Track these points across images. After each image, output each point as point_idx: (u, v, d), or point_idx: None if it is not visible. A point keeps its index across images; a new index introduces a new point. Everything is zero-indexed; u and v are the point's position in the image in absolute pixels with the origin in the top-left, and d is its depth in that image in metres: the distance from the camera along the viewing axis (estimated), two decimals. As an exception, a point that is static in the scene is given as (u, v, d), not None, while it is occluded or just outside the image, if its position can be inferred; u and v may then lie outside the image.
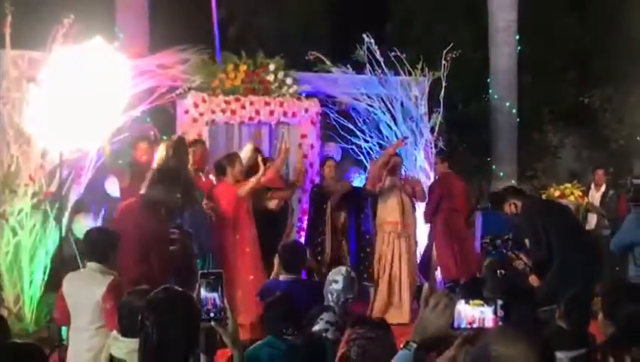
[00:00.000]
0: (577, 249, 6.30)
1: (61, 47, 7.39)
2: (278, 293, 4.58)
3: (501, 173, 11.86)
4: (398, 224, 8.65)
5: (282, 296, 4.51)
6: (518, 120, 12.10)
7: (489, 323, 2.43)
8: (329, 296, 4.96)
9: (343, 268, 5.18)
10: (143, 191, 5.95)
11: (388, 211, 8.68)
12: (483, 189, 13.25)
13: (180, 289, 2.90)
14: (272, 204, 8.33)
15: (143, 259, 5.92)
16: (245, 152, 8.29)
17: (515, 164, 12.13)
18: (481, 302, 2.45)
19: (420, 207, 9.20)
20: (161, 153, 6.25)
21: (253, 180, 7.70)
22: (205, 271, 3.03)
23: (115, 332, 3.64)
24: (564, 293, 4.87)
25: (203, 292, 2.86)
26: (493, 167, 12.03)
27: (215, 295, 2.87)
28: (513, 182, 11.72)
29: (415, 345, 2.43)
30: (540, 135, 13.92)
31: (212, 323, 2.88)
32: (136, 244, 5.87)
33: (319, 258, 8.55)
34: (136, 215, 5.95)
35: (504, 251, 6.47)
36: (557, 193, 10.14)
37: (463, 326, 2.43)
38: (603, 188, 10.92)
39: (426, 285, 2.28)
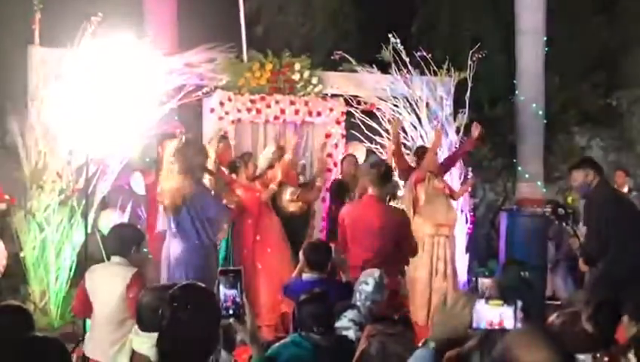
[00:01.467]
0: (635, 252, 6.11)
1: (90, 45, 7.47)
2: (315, 290, 4.54)
3: (527, 175, 11.78)
4: (447, 226, 8.43)
5: (319, 294, 4.47)
6: (544, 121, 12.02)
7: (509, 324, 2.41)
8: (357, 294, 5.00)
9: (376, 271, 5.19)
10: (371, 192, 6.10)
11: (438, 213, 8.46)
12: (508, 191, 13.18)
13: (202, 285, 2.93)
14: (294, 206, 8.30)
15: (398, 248, 6.07)
16: (267, 153, 8.33)
17: (542, 165, 12.04)
18: (501, 303, 2.43)
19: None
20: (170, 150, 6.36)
21: (273, 186, 7.75)
22: (224, 268, 3.05)
23: (136, 326, 3.67)
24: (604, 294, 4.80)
25: (222, 290, 2.89)
26: (519, 168, 11.95)
27: (234, 292, 2.90)
28: (539, 183, 11.66)
29: (433, 344, 2.42)
30: (567, 137, 13.81)
31: (231, 320, 2.91)
32: (390, 237, 6.00)
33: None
34: (385, 213, 6.10)
35: (565, 223, 6.37)
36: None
37: (482, 326, 2.42)
38: (625, 191, 10.80)
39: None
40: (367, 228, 5.99)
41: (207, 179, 6.73)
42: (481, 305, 2.42)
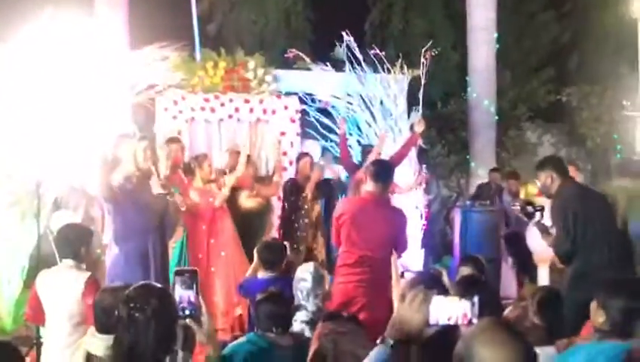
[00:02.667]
0: (605, 248, 5.87)
1: (39, 42, 7.35)
2: (270, 289, 4.51)
3: (479, 171, 11.92)
4: None
5: (276, 293, 4.44)
6: (496, 118, 12.18)
7: (465, 319, 2.44)
8: (298, 293, 4.92)
9: (310, 265, 5.13)
10: (370, 189, 5.89)
11: None
12: (462, 187, 13.31)
13: (159, 285, 2.91)
14: (252, 202, 8.32)
15: (393, 247, 5.91)
16: (226, 155, 8.32)
17: (494, 161, 12.20)
18: (458, 298, 2.46)
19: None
20: (138, 154, 6.24)
21: (224, 191, 7.71)
22: (180, 268, 3.04)
23: (92, 328, 3.63)
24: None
25: (178, 290, 2.88)
26: (472, 164, 12.09)
27: (190, 292, 2.89)
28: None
29: (392, 342, 2.42)
30: (518, 132, 14.00)
31: (187, 320, 2.90)
32: (389, 235, 5.84)
33: (297, 252, 8.53)
34: (386, 211, 5.94)
35: (535, 221, 6.26)
36: (535, 190, 10.19)
37: (441, 321, 2.44)
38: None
39: (402, 280, 2.25)
40: (367, 226, 5.81)
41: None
42: (439, 301, 2.44)
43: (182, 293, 2.89)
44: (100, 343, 3.45)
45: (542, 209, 6.26)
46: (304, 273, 4.99)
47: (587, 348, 3.63)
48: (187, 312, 2.89)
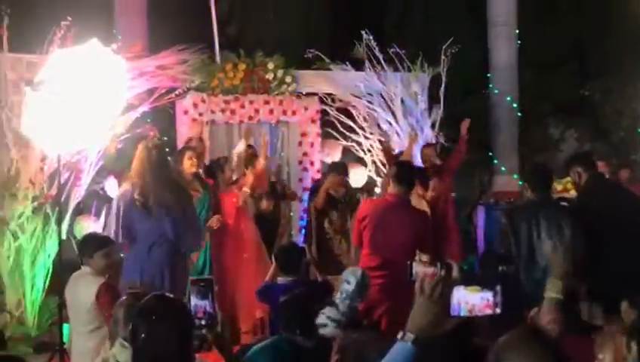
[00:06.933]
0: (621, 254, 5.55)
1: (59, 50, 7.38)
2: (295, 292, 4.46)
3: (502, 168, 11.83)
4: None
5: (299, 295, 4.40)
6: (518, 114, 12.07)
7: (488, 309, 2.38)
8: (339, 293, 4.93)
9: (359, 271, 5.12)
10: (392, 191, 5.91)
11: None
12: (484, 184, 13.20)
13: (171, 296, 2.89)
14: (263, 204, 8.26)
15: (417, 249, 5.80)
16: (238, 150, 8.23)
17: (517, 158, 12.10)
18: (480, 288, 2.40)
19: None
20: (141, 154, 6.26)
21: (246, 190, 7.66)
22: (195, 278, 3.03)
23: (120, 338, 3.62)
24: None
25: (194, 300, 2.87)
26: (495, 161, 12.00)
27: (206, 302, 2.88)
28: (515, 176, 11.69)
29: (413, 336, 2.35)
30: (541, 128, 13.86)
31: (203, 330, 2.89)
32: (412, 238, 5.80)
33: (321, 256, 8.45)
34: (404, 212, 5.93)
35: None
36: (559, 187, 10.08)
37: (462, 313, 2.38)
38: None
39: (420, 272, 2.20)
40: (390, 229, 5.77)
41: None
42: (460, 292, 2.38)
43: (198, 303, 2.87)
44: (125, 352, 3.43)
45: None
46: (350, 276, 4.96)
47: None
48: (203, 322, 2.88)
